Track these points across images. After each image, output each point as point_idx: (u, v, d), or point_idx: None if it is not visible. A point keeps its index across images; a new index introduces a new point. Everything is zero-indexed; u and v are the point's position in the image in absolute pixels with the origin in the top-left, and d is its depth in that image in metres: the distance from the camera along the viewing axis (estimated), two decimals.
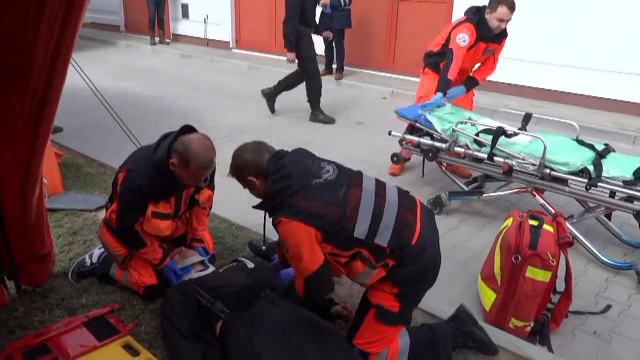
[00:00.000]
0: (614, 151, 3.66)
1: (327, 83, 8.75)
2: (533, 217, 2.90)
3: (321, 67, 8.94)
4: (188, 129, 2.69)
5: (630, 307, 3.17)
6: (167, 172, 2.59)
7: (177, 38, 12.36)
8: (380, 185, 2.32)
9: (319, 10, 8.37)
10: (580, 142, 3.70)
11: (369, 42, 9.25)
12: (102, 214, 3.68)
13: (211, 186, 3.02)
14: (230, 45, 11.37)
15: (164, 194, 2.70)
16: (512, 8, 4.17)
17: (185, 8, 11.95)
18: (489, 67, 4.71)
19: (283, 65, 9.90)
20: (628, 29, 6.47)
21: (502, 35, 4.45)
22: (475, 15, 4.32)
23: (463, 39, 4.23)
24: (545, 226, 2.83)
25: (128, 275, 2.83)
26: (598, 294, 3.27)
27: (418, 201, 2.39)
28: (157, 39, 11.90)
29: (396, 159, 4.37)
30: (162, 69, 10.00)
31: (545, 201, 3.67)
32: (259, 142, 2.40)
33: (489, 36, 4.35)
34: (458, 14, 7.98)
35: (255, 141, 2.41)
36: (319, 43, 8.91)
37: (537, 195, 3.71)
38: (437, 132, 4.02)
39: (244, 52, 11.03)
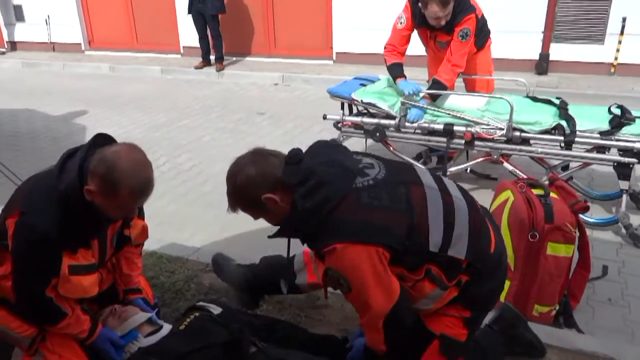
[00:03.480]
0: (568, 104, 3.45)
1: (208, 75, 7.99)
2: (534, 186, 2.53)
3: (198, 60, 8.14)
4: (102, 140, 1.88)
5: (625, 263, 2.97)
6: (83, 205, 1.78)
7: (14, 46, 10.54)
8: (439, 181, 1.74)
9: None
10: (535, 99, 3.45)
11: (246, 27, 8.53)
12: None
13: (141, 215, 2.22)
14: (83, 48, 9.93)
15: (82, 239, 1.87)
16: (443, 3, 3.25)
17: (19, 10, 10.19)
18: (443, 63, 3.53)
19: (148, 62, 8.85)
20: None
21: (453, 24, 3.43)
22: None
23: (400, 19, 3.57)
24: (552, 194, 2.47)
25: None
26: None
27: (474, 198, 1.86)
28: None
29: None
30: (3, 82, 8.38)
31: (515, 167, 3.36)
32: (257, 149, 1.72)
33: (429, 24, 3.48)
34: None
35: (251, 150, 1.72)
36: (192, 33, 8.06)
37: (505, 162, 3.39)
38: (382, 109, 3.53)
39: (101, 54, 9.69)
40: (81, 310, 1.99)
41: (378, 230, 1.52)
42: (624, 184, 3.12)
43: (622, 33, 6.36)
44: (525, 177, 3.12)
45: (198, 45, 8.07)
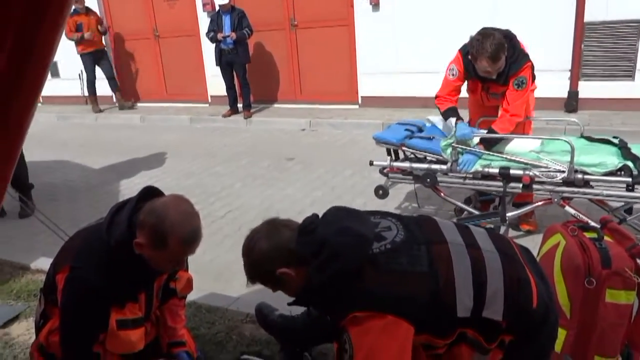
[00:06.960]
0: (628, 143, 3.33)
1: (236, 123, 8.11)
2: (586, 229, 2.43)
3: (225, 108, 8.30)
4: (150, 193, 1.88)
5: None
6: (133, 258, 1.77)
7: (48, 100, 10.92)
8: (466, 233, 1.65)
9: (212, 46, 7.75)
10: (590, 139, 3.34)
11: (271, 75, 8.71)
12: (14, 330, 2.69)
13: (186, 267, 2.20)
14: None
15: (131, 293, 1.85)
16: (493, 58, 3.19)
17: (54, 66, 10.62)
18: (501, 114, 3.47)
19: (177, 112, 9.05)
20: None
21: (507, 75, 3.35)
22: (466, 46, 3.42)
23: (452, 71, 3.50)
24: (606, 238, 2.38)
25: None
26: None
27: (512, 241, 1.77)
28: None
29: (382, 192, 3.70)
30: (38, 135, 8.60)
31: (578, 210, 3.23)
32: (271, 220, 1.70)
33: (481, 75, 3.44)
34: (361, 35, 7.80)
35: (266, 221, 1.70)
36: (219, 84, 8.26)
37: (566, 206, 3.25)
38: (432, 153, 3.49)
39: None
40: None
41: (399, 299, 1.44)
42: None
43: None
44: (578, 219, 3.02)
45: (225, 94, 8.26)
